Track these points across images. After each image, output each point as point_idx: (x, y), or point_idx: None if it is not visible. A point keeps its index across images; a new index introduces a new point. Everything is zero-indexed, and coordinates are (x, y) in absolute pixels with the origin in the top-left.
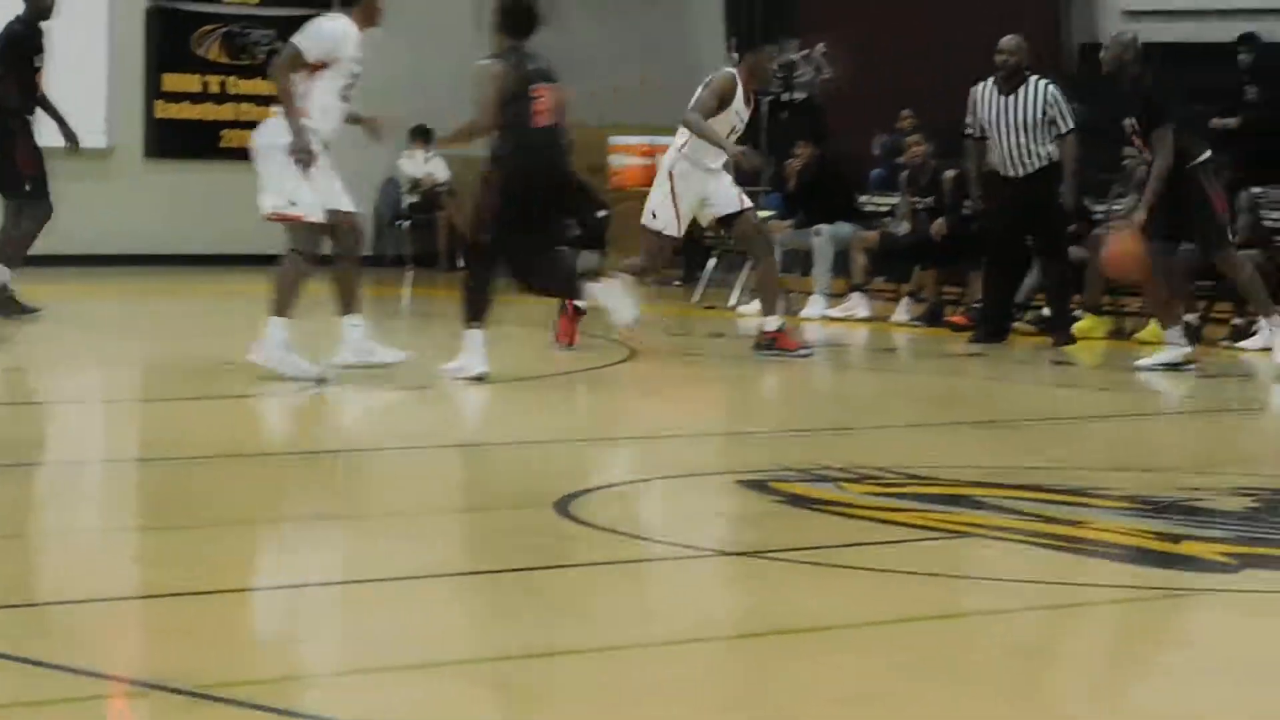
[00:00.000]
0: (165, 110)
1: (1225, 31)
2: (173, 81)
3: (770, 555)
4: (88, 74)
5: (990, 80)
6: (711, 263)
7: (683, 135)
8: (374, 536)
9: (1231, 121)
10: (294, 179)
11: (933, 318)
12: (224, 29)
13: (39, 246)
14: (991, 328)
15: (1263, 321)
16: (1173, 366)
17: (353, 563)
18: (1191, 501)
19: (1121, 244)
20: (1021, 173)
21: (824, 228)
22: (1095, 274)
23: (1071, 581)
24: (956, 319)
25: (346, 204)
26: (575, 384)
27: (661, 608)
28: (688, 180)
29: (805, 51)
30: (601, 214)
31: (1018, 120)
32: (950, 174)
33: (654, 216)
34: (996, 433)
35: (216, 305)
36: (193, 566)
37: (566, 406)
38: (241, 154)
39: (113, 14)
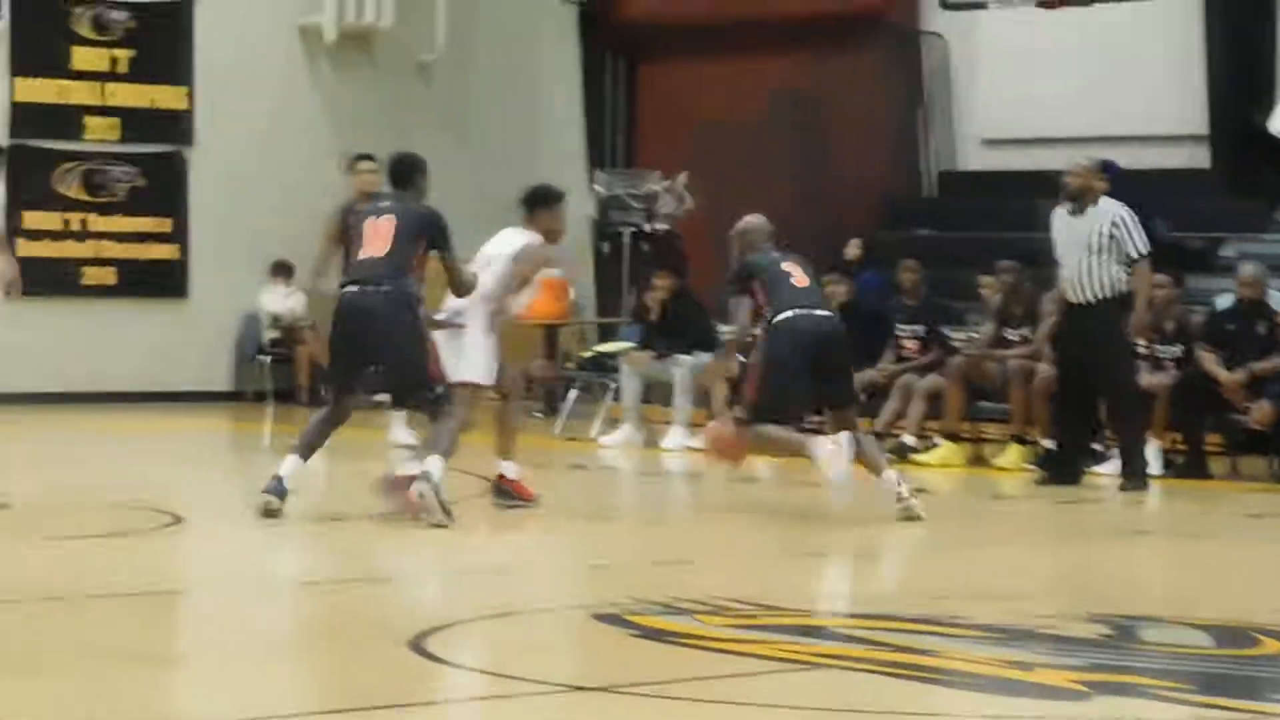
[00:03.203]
0: (27, 249)
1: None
2: (34, 219)
3: (625, 690)
4: None
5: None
6: (573, 394)
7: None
8: (219, 675)
9: None
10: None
11: None
12: (84, 166)
13: None
14: (1063, 469)
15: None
16: None
17: (200, 703)
18: (1044, 629)
19: (717, 434)
20: (1085, 298)
21: (684, 358)
22: (954, 401)
23: (924, 712)
24: None
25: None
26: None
27: None
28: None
29: (667, 182)
30: None
31: (1082, 242)
32: None
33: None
34: (851, 563)
35: (76, 442)
36: (14, 711)
37: (420, 540)
38: (102, 291)
39: None
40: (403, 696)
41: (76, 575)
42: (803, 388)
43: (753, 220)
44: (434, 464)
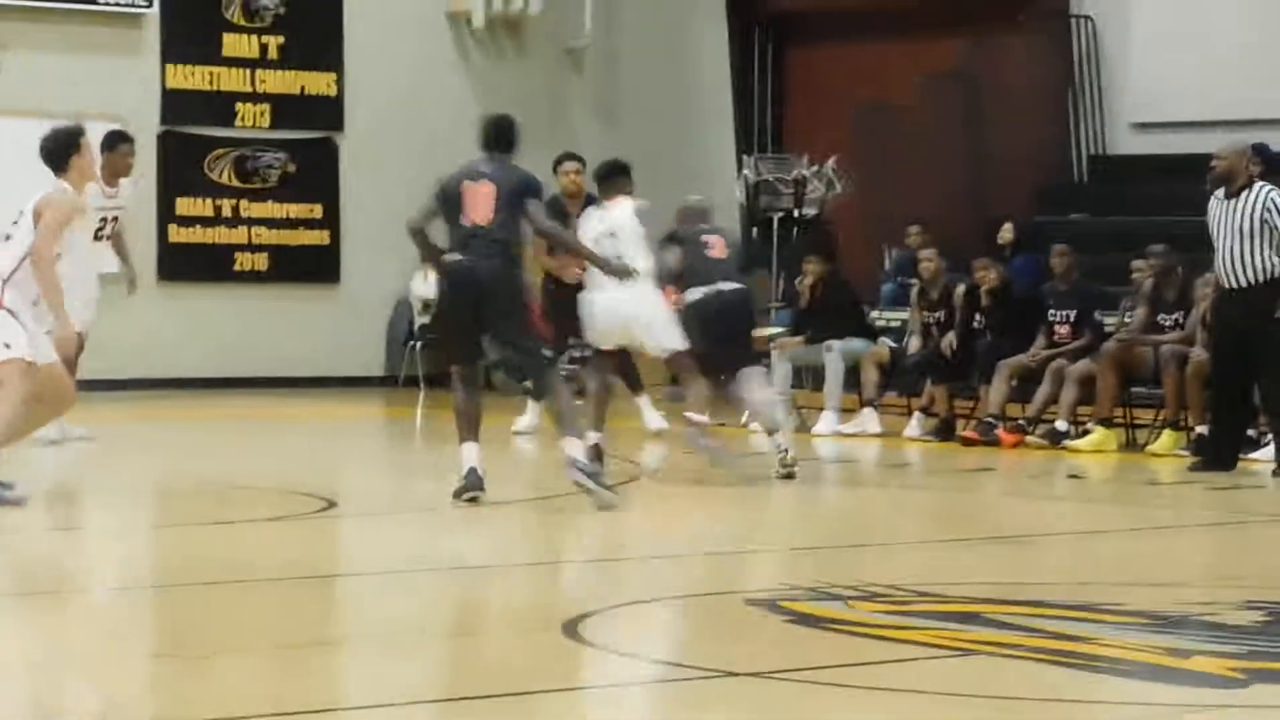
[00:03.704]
0: (179, 234)
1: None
2: (186, 206)
3: (778, 676)
4: None
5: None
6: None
7: None
8: (379, 660)
9: None
10: None
11: (945, 432)
12: (235, 153)
13: None
14: (1219, 454)
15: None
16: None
17: (356, 689)
18: (1201, 616)
19: None
20: (1239, 283)
21: (835, 343)
22: (1107, 387)
23: (1079, 699)
24: (968, 434)
25: None
26: (584, 503)
27: None
28: None
29: (817, 167)
30: None
31: (1235, 227)
32: (961, 288)
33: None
34: (1006, 548)
35: (230, 428)
36: (188, 696)
37: (575, 526)
38: (254, 277)
39: None
40: (556, 681)
41: (235, 560)
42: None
43: (691, 199)
44: (572, 446)
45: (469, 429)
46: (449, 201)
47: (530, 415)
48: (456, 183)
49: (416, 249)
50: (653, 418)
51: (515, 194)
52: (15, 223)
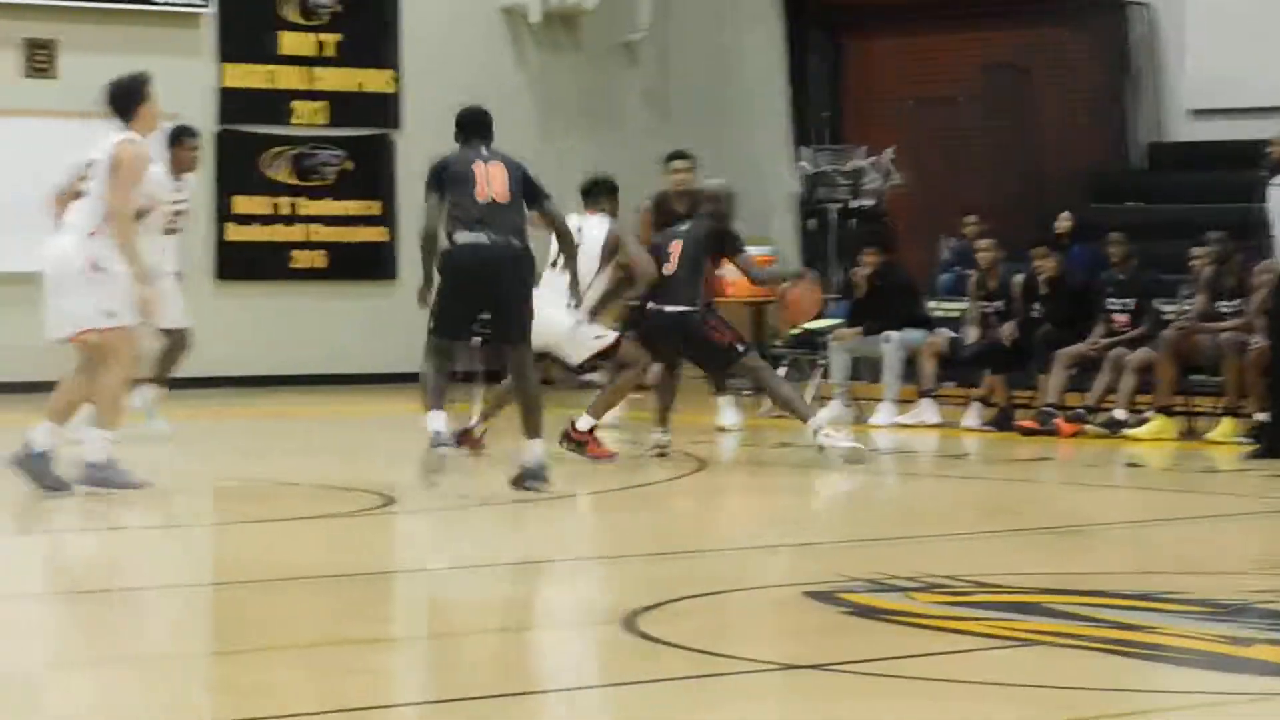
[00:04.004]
0: (236, 233)
1: None
2: (243, 204)
3: (838, 668)
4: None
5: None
6: (781, 372)
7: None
8: (437, 656)
9: None
10: None
11: (1003, 422)
12: (293, 151)
13: None
14: (1277, 442)
15: None
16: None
17: (414, 686)
18: (1261, 604)
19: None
20: None
21: (892, 334)
22: (1165, 375)
23: (1142, 688)
24: (1027, 423)
25: None
26: (643, 497)
27: None
28: None
29: (873, 158)
30: None
31: None
32: (1019, 278)
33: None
34: (1065, 538)
35: (288, 425)
36: (252, 693)
37: (634, 520)
38: (312, 274)
39: None
40: (615, 675)
41: (294, 557)
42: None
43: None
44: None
45: (436, 399)
46: (459, 180)
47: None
48: (466, 163)
49: (422, 264)
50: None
51: (524, 181)
52: (85, 178)
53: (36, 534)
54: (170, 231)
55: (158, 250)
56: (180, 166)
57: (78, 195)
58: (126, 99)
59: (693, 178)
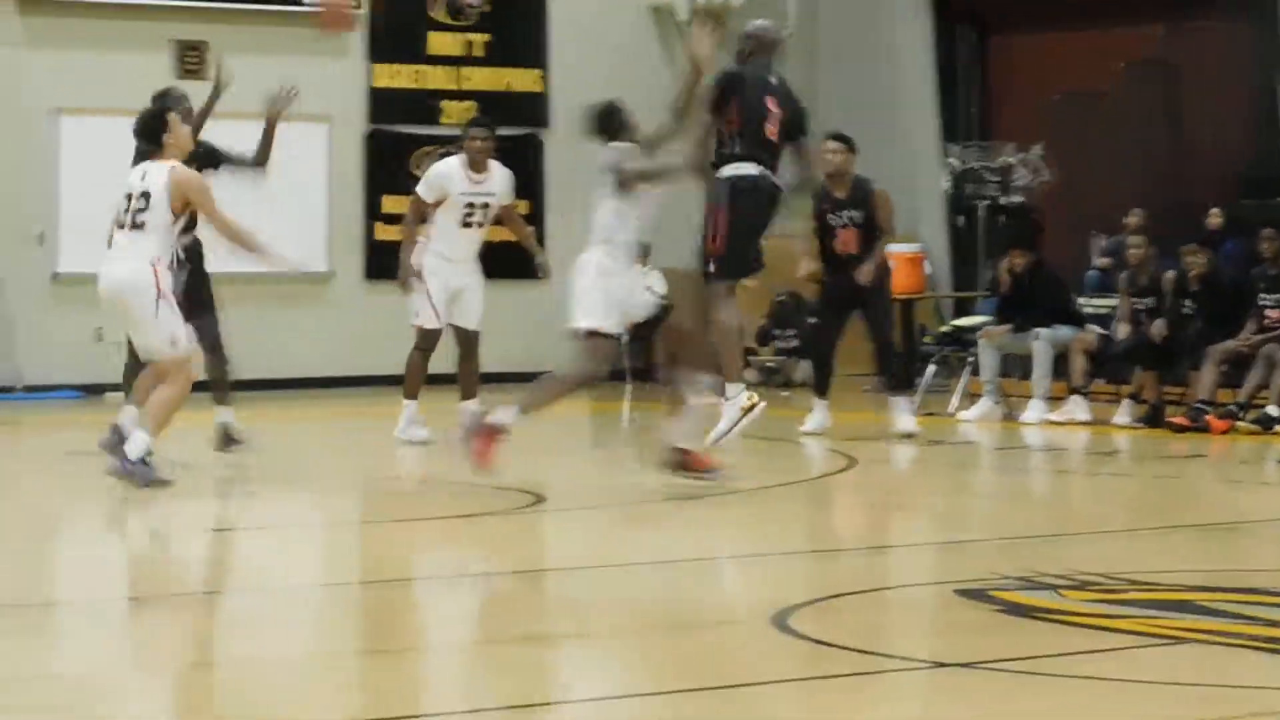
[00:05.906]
0: (385, 233)
1: None
2: (392, 204)
3: (990, 666)
4: (309, 199)
5: None
6: (930, 369)
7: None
8: (586, 655)
9: None
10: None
11: (1154, 419)
12: (441, 150)
13: (261, 370)
14: None
15: None
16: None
17: (568, 684)
18: None
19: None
20: None
21: (1042, 331)
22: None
23: None
24: (1178, 420)
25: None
26: (793, 494)
27: None
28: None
29: (1022, 155)
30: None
31: None
32: (1170, 274)
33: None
34: (1217, 535)
35: (438, 424)
36: (392, 692)
37: (783, 517)
38: None
39: (332, 139)
40: (767, 674)
41: (443, 555)
42: None
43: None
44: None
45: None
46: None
47: (820, 413)
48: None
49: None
50: (905, 420)
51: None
52: (142, 209)
53: (203, 532)
54: (470, 225)
55: (466, 243)
56: (472, 159)
57: (121, 226)
58: (152, 134)
59: (845, 159)
